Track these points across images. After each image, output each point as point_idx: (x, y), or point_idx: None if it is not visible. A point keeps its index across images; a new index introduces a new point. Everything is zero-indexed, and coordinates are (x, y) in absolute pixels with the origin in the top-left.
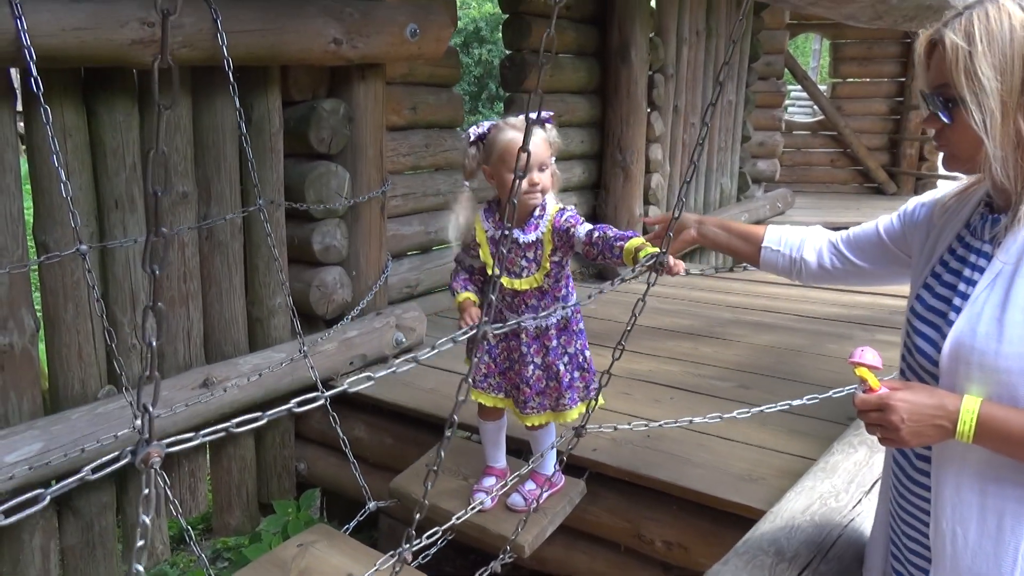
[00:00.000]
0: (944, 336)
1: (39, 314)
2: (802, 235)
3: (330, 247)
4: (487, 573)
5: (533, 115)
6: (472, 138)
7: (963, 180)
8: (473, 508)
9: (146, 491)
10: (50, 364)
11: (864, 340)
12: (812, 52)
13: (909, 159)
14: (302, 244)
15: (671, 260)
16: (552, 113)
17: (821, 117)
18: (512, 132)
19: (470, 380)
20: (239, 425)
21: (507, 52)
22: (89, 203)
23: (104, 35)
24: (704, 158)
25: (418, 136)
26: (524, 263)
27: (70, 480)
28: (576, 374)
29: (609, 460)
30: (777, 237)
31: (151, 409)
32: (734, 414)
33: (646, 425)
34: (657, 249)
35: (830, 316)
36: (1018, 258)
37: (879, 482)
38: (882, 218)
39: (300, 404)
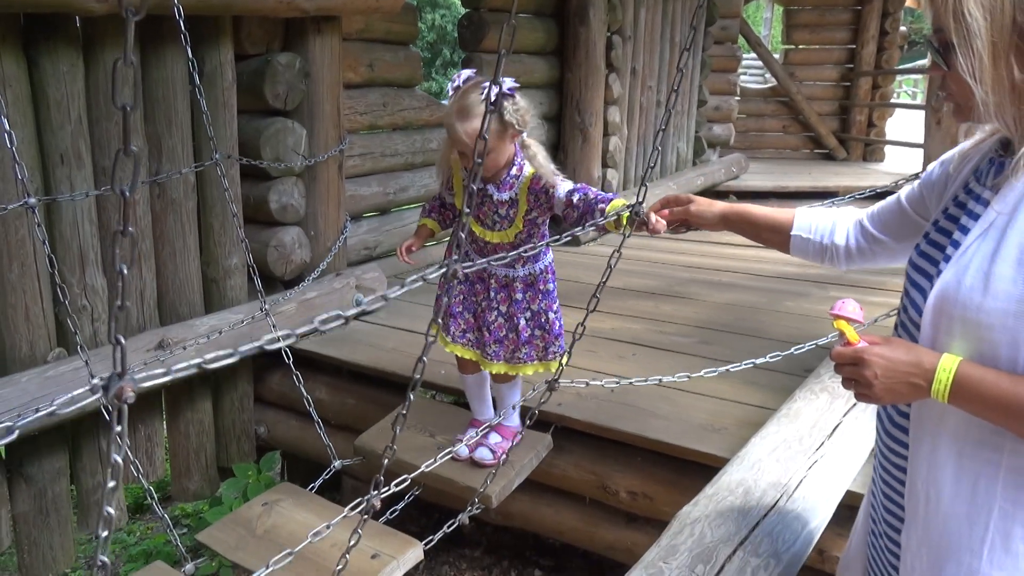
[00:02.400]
0: (931, 287)
1: None
2: (833, 218)
3: (287, 206)
4: (455, 526)
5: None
6: (451, 92)
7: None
8: (447, 454)
9: (118, 428)
10: None
11: (820, 298)
12: (764, 20)
13: (859, 125)
14: (258, 203)
15: (652, 217)
16: (517, 86)
17: (773, 84)
18: (450, 112)
19: (439, 321)
20: (211, 361)
21: (465, 11)
22: (32, 158)
23: None
24: (662, 122)
25: (375, 94)
26: (497, 218)
27: (40, 414)
28: (536, 332)
29: (575, 414)
30: (808, 224)
31: (123, 341)
32: (701, 373)
33: (617, 382)
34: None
35: (786, 275)
36: (1013, 208)
37: (840, 427)
38: (904, 188)
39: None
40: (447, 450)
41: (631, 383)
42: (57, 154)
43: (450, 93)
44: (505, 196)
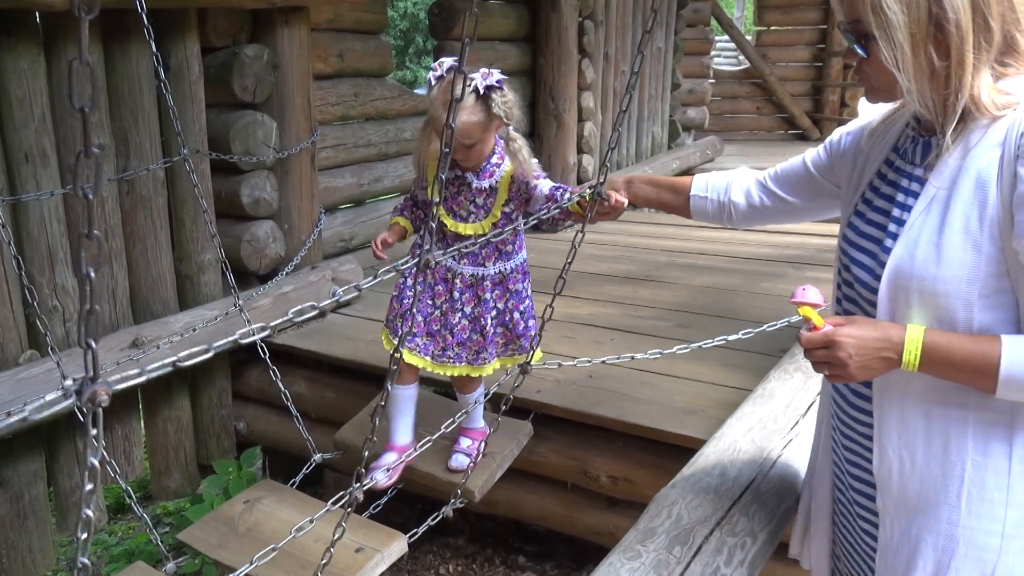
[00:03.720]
0: (881, 264)
1: None
2: (728, 178)
3: (260, 200)
4: (438, 519)
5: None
6: (432, 82)
7: (889, 106)
8: (426, 443)
9: (94, 431)
10: None
11: (796, 278)
12: (736, 2)
13: (831, 105)
14: (230, 197)
15: (613, 196)
16: (504, 78)
17: (747, 66)
18: (436, 105)
19: (388, 325)
20: (186, 359)
21: None
22: None
23: None
24: (635, 106)
25: (346, 85)
26: (473, 208)
27: (12, 419)
28: (498, 330)
29: (554, 400)
30: (704, 183)
31: (94, 345)
32: (674, 350)
33: (589, 362)
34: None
35: (762, 256)
36: (951, 182)
37: (814, 406)
38: (808, 151)
39: (245, 337)
40: (425, 439)
41: (603, 362)
42: (22, 152)
43: (432, 82)
44: (484, 184)
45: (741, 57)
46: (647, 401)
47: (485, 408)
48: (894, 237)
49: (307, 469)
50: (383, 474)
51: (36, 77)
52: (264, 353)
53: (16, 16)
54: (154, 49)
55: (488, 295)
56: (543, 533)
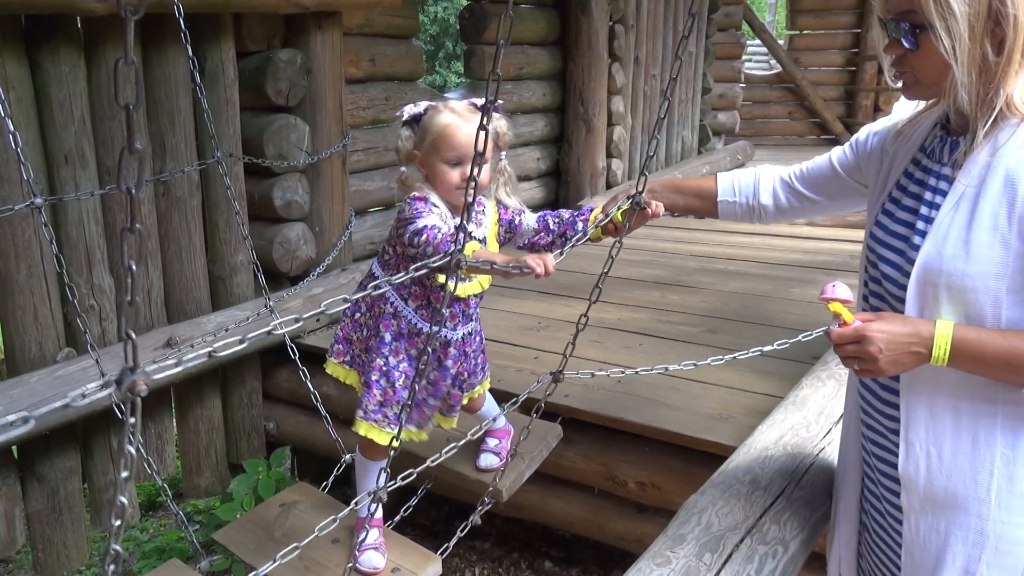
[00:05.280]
0: (909, 260)
1: None
2: (754, 179)
3: (292, 202)
4: (467, 527)
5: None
6: (406, 117)
7: (916, 107)
8: (452, 448)
9: (132, 420)
10: (4, 327)
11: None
12: (768, 6)
13: (865, 110)
14: (263, 200)
15: (653, 203)
16: (501, 102)
17: (778, 70)
18: (449, 116)
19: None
20: (221, 349)
21: (466, 2)
22: (37, 159)
23: None
24: (662, 111)
25: (377, 89)
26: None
27: (55, 405)
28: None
29: (582, 405)
30: (729, 187)
31: (134, 336)
32: (708, 361)
33: (623, 372)
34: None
35: (793, 262)
36: (980, 180)
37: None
38: (834, 150)
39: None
40: (453, 444)
41: (636, 372)
42: (61, 154)
43: (415, 112)
44: (481, 233)
45: (772, 61)
46: (676, 407)
47: (513, 410)
48: (923, 234)
49: (337, 471)
50: (377, 555)
51: (76, 80)
52: (294, 353)
53: (57, 21)
54: (191, 53)
55: (471, 346)
56: (569, 538)
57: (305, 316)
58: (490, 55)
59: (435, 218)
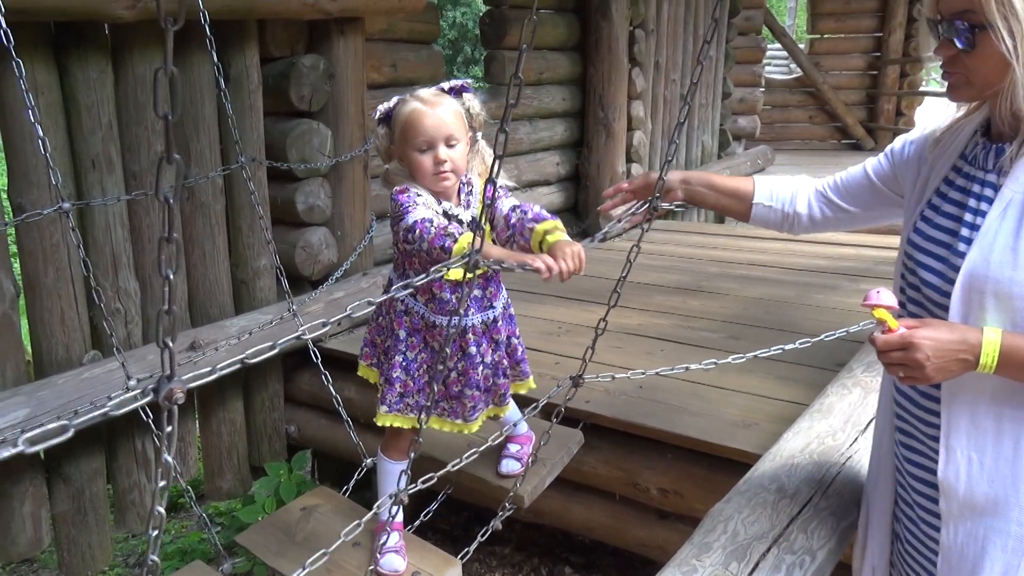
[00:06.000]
0: (952, 267)
1: (19, 280)
2: (792, 188)
3: (314, 207)
4: (488, 532)
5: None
6: (379, 115)
7: (955, 112)
8: (473, 453)
9: (168, 428)
10: (32, 330)
11: (851, 291)
12: (788, 10)
13: (887, 114)
14: (285, 205)
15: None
16: (468, 81)
17: (799, 74)
18: (414, 103)
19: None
20: (254, 356)
21: (486, 7)
22: (65, 164)
23: None
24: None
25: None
26: None
27: (95, 414)
28: (507, 360)
29: (603, 411)
30: (768, 192)
31: (171, 344)
32: (729, 359)
33: (643, 374)
34: (564, 238)
35: (816, 268)
36: None
37: (874, 422)
38: (869, 160)
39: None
40: (474, 449)
41: (657, 374)
42: (89, 159)
43: (389, 107)
44: (468, 216)
45: (793, 66)
46: (699, 413)
47: (534, 415)
48: (967, 241)
49: (359, 475)
50: (398, 558)
51: (104, 86)
52: (316, 357)
53: (86, 27)
54: (215, 59)
55: (501, 334)
56: (590, 544)
57: (332, 320)
58: (511, 59)
59: (423, 209)
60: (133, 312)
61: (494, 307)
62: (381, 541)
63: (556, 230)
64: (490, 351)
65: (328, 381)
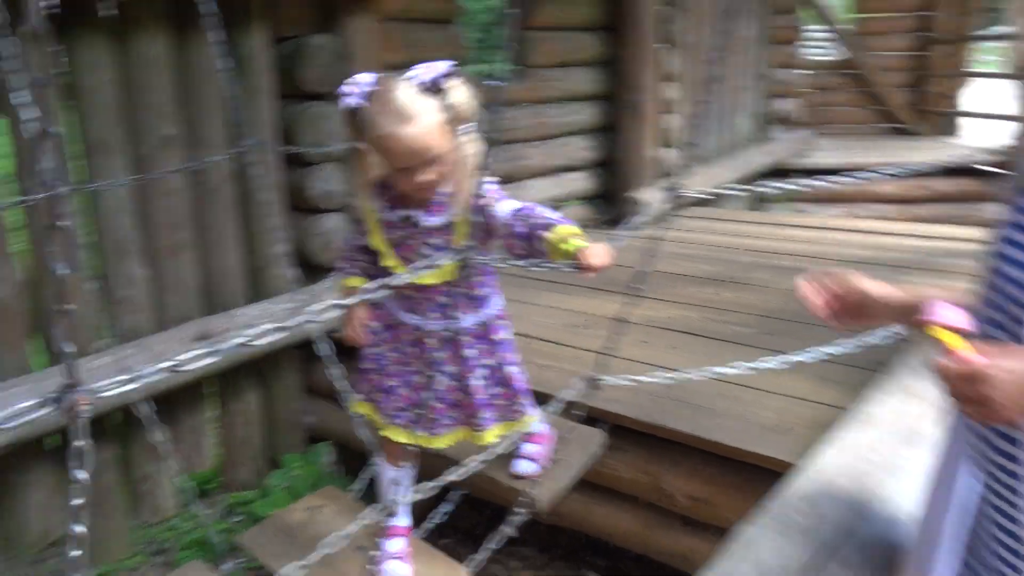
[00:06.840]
0: None
1: None
2: None
3: (330, 192)
4: (500, 538)
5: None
6: (343, 107)
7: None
8: (486, 455)
9: (78, 444)
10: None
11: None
12: None
13: (933, 97)
14: (299, 190)
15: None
16: (453, 63)
17: (841, 55)
18: (383, 123)
19: (371, 399)
20: (260, 336)
21: None
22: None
23: None
24: (721, 98)
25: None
26: (427, 251)
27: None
28: (497, 390)
29: (628, 411)
30: None
31: (73, 349)
32: (764, 363)
33: (672, 380)
34: (585, 244)
35: (857, 258)
36: None
37: (925, 436)
38: None
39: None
40: (487, 451)
41: (690, 378)
42: (91, 143)
43: (353, 103)
44: (436, 221)
45: (835, 46)
46: (729, 415)
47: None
48: None
49: (362, 473)
50: (401, 565)
51: (107, 67)
52: (331, 347)
53: (88, 7)
54: (224, 39)
55: (469, 351)
56: (614, 548)
57: (344, 302)
58: (537, 40)
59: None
60: (140, 300)
61: (457, 319)
62: (383, 547)
63: (572, 237)
64: (457, 363)
65: (335, 374)
